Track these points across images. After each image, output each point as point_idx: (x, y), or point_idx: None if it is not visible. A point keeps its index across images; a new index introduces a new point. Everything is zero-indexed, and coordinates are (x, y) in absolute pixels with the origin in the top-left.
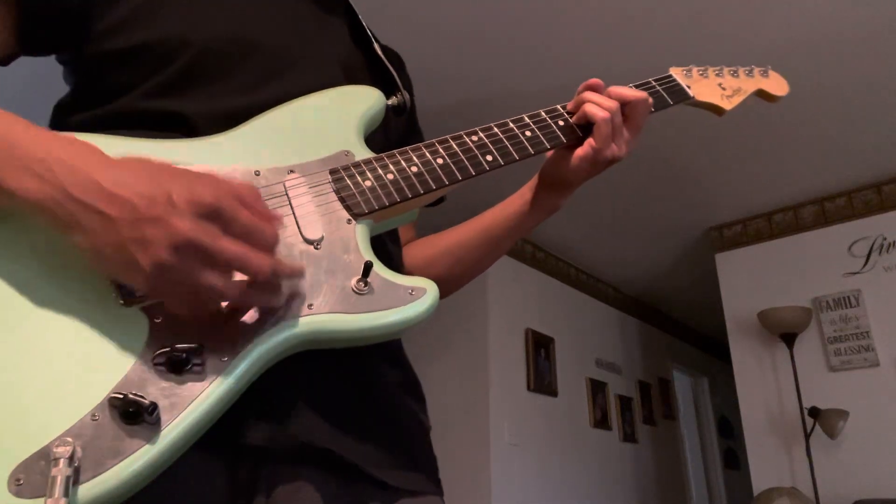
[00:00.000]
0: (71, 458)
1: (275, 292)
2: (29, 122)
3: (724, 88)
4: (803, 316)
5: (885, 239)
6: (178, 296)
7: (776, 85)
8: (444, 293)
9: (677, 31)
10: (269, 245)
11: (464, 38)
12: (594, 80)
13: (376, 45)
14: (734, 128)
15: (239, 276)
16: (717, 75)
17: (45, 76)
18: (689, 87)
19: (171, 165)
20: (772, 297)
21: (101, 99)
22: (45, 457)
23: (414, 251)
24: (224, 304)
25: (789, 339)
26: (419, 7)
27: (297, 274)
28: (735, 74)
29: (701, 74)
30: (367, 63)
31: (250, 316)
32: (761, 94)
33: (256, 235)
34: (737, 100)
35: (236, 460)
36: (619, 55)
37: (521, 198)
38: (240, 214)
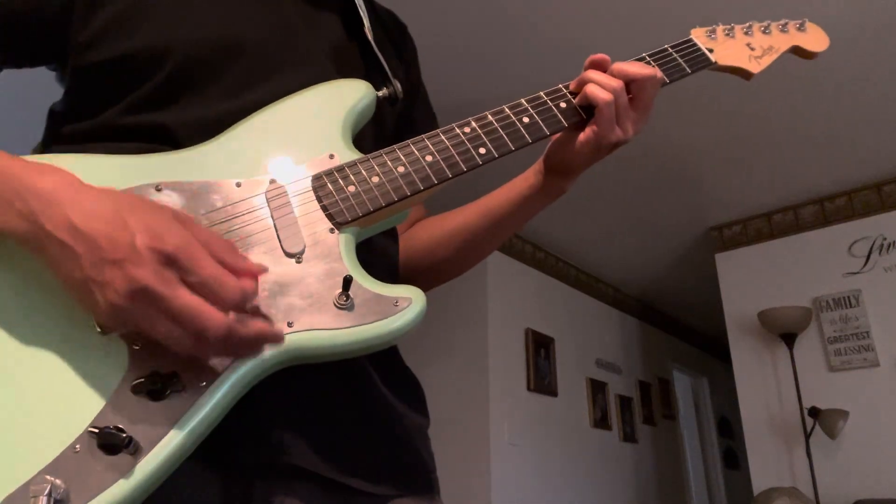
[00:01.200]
0: (49, 494)
1: (232, 349)
2: (3, 151)
3: (752, 48)
4: (803, 316)
5: (885, 239)
6: (135, 333)
7: (814, 40)
8: (450, 275)
9: (683, 22)
10: (228, 301)
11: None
12: (599, 56)
13: (368, 31)
14: (734, 128)
15: None
16: (746, 34)
17: (45, 74)
18: (711, 50)
19: (146, 204)
20: (772, 297)
21: (89, 111)
22: (26, 493)
23: (419, 233)
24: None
25: (789, 339)
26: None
27: (267, 337)
28: (766, 31)
29: (727, 34)
30: (360, 51)
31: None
32: (797, 51)
33: (215, 288)
34: (767, 60)
35: (230, 475)
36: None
37: (525, 181)
38: (199, 265)
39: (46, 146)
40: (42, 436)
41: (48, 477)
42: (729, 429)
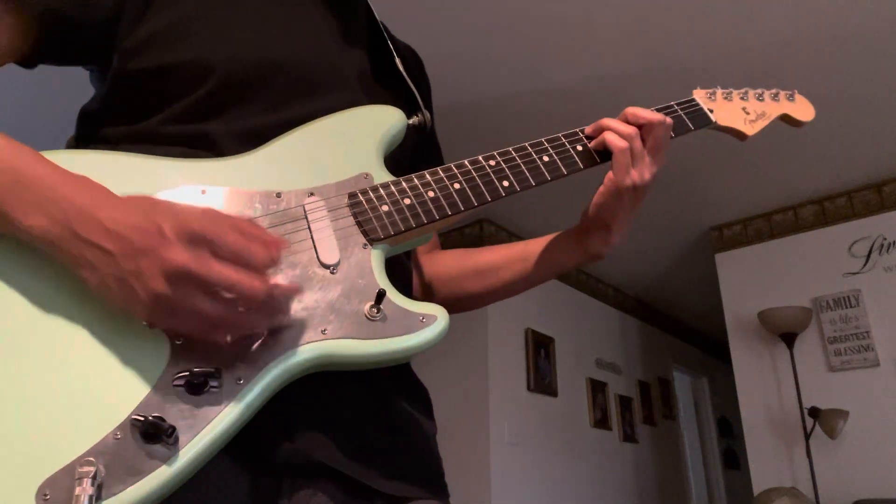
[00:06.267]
0: (94, 477)
1: (273, 314)
2: (40, 155)
3: (747, 112)
4: (803, 316)
5: (885, 239)
6: (180, 323)
7: (802, 110)
8: (469, 308)
9: (675, 31)
10: (260, 266)
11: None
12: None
13: (398, 63)
14: None
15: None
16: (742, 98)
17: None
18: (711, 110)
19: (169, 202)
20: (772, 297)
21: (128, 115)
22: (70, 474)
23: (447, 261)
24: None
25: (789, 339)
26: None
27: (293, 294)
28: (760, 98)
29: (725, 98)
30: (388, 77)
31: (267, 340)
32: (786, 118)
33: (246, 257)
34: (760, 125)
35: (259, 471)
36: (620, 55)
37: (564, 237)
38: (227, 239)
39: (83, 145)
40: (84, 421)
41: (91, 459)
42: (729, 429)
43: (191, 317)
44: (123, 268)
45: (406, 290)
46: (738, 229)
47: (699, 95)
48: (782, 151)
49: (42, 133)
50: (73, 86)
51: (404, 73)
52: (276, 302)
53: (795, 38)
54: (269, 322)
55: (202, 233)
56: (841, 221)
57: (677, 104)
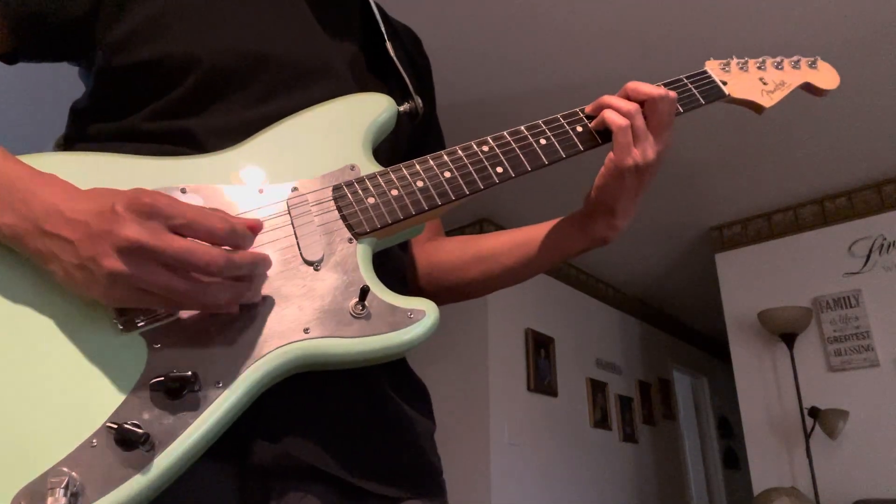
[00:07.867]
0: (66, 487)
1: (238, 286)
2: (8, 153)
3: (765, 83)
4: (803, 316)
5: (885, 239)
6: (141, 300)
7: (825, 77)
8: (473, 295)
9: (675, 33)
10: (217, 233)
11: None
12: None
13: (389, 48)
14: (734, 128)
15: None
16: (759, 68)
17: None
18: (724, 82)
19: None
20: (772, 297)
21: (114, 111)
22: (44, 484)
23: (449, 249)
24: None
25: (789, 339)
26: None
27: (259, 262)
28: (779, 66)
29: (740, 68)
30: (381, 66)
31: (247, 340)
32: (808, 87)
33: (203, 223)
34: (779, 95)
35: (247, 474)
36: (619, 57)
37: (567, 220)
38: (180, 209)
39: (70, 143)
40: (60, 429)
41: (65, 469)
42: (729, 429)
43: (150, 292)
44: (82, 254)
45: (399, 284)
46: (738, 229)
47: (712, 67)
48: (782, 151)
49: (39, 132)
50: (68, 84)
51: (395, 59)
52: (238, 270)
53: (794, 38)
54: (234, 294)
55: (153, 204)
56: (841, 221)
57: (687, 77)
